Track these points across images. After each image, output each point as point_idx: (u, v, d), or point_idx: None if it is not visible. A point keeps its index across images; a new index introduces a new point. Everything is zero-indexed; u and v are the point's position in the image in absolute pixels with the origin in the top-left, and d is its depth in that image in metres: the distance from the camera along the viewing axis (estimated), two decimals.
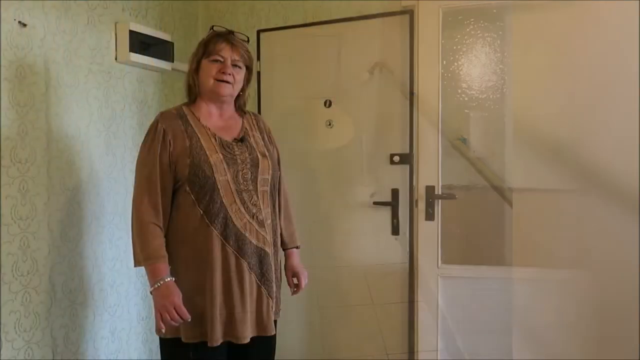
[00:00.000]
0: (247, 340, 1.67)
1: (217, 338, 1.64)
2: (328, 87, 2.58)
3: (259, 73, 2.73)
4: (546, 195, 2.28)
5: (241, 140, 1.74)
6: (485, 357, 2.18)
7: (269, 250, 1.73)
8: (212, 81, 1.70)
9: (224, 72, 1.69)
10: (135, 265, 1.68)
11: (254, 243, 1.69)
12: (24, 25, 1.87)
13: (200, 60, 1.73)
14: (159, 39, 2.46)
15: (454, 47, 2.33)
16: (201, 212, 1.64)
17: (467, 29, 2.33)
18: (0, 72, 1.78)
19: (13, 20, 1.83)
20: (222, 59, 1.70)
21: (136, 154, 2.44)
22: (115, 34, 2.28)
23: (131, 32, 2.28)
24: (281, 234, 1.88)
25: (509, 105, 2.31)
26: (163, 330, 1.63)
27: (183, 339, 1.66)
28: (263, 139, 1.83)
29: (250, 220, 1.68)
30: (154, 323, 1.73)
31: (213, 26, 1.77)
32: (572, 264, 2.22)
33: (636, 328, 1.94)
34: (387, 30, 2.45)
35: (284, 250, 1.92)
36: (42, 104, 1.95)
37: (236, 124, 1.79)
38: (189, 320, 1.61)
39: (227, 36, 1.73)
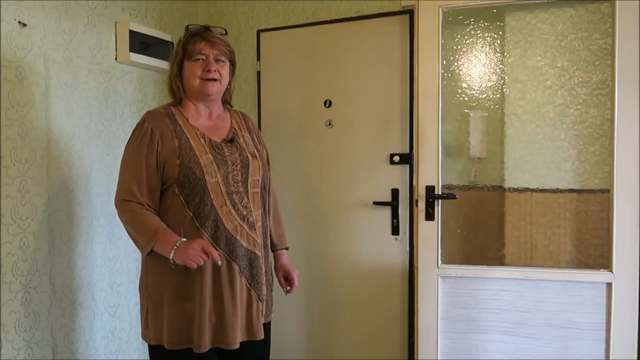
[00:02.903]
0: (237, 345, 1.63)
1: (205, 344, 1.59)
2: (328, 87, 2.58)
3: (259, 73, 2.73)
4: (545, 196, 2.28)
5: (230, 141, 1.70)
6: (486, 357, 2.18)
7: (260, 252, 1.69)
8: (198, 81, 1.66)
9: (208, 70, 1.65)
10: (145, 254, 1.60)
11: (245, 246, 1.65)
12: (24, 25, 1.87)
13: (182, 62, 1.68)
14: (159, 39, 2.46)
15: (454, 47, 2.33)
16: (191, 214, 1.60)
17: (467, 29, 2.33)
18: (0, 72, 1.79)
19: (13, 20, 1.83)
20: (204, 57, 1.66)
21: None
22: (115, 34, 2.28)
23: (131, 32, 2.28)
24: (270, 235, 1.85)
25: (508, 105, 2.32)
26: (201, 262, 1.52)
27: (166, 346, 1.60)
28: (252, 139, 1.79)
29: (241, 223, 1.64)
30: (142, 329, 1.70)
31: (188, 25, 1.71)
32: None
33: None
34: (387, 30, 2.45)
35: (273, 251, 1.88)
36: (42, 104, 1.95)
37: (225, 124, 1.75)
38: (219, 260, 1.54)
39: (204, 34, 1.67)
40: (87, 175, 2.17)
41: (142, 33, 2.35)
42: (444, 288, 2.20)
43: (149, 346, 1.68)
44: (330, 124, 2.59)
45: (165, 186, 1.63)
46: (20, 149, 1.86)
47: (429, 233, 2.19)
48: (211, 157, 1.62)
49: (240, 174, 1.66)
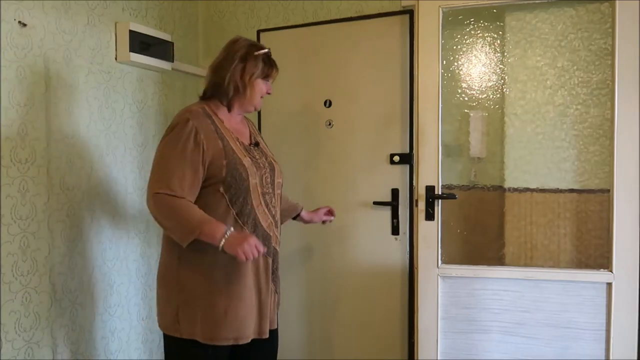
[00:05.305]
0: (268, 335, 1.74)
1: (249, 335, 1.69)
2: (328, 87, 2.58)
3: None
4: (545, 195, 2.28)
5: (256, 144, 1.80)
6: (486, 357, 2.18)
7: (279, 248, 1.82)
8: (260, 100, 1.78)
9: (269, 93, 1.81)
10: (185, 243, 1.58)
11: (273, 243, 1.77)
12: (24, 25, 1.87)
13: (256, 76, 1.75)
14: (159, 39, 2.46)
15: (454, 47, 2.33)
16: (234, 212, 1.66)
17: (467, 29, 2.33)
18: (0, 72, 1.79)
19: (13, 20, 1.83)
20: (272, 81, 1.82)
21: (136, 154, 2.45)
22: (115, 34, 2.28)
23: (131, 32, 2.28)
24: (287, 208, 2.02)
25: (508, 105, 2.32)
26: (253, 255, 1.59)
27: (201, 340, 1.65)
28: (266, 144, 1.91)
29: (272, 221, 1.76)
30: (155, 321, 1.73)
31: (258, 46, 1.80)
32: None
33: None
34: (387, 30, 2.45)
35: (297, 217, 2.08)
36: (42, 104, 1.95)
37: (246, 130, 1.83)
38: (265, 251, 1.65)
39: (273, 59, 1.82)
40: (87, 175, 2.17)
41: (142, 33, 2.35)
42: (444, 288, 2.20)
43: (177, 339, 1.69)
44: (330, 124, 2.59)
45: (206, 184, 1.65)
46: (20, 149, 1.86)
47: (429, 233, 2.19)
48: (249, 160, 1.70)
49: (269, 176, 1.77)
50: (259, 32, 2.71)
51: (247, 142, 1.77)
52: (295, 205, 2.08)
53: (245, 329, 1.67)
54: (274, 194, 1.78)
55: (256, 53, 1.75)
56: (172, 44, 2.54)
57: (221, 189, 1.64)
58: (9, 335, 1.83)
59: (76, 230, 2.11)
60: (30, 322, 1.91)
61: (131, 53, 2.29)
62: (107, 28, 2.24)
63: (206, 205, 1.64)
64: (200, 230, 1.56)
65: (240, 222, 1.67)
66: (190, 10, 2.82)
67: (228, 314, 1.65)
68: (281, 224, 1.98)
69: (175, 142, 1.62)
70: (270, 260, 1.75)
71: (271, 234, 1.75)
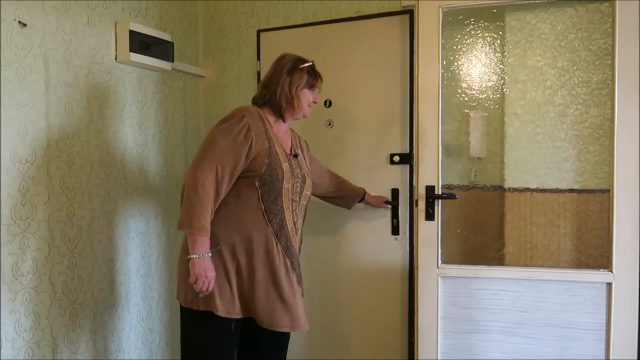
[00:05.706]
0: (307, 327, 1.85)
1: (279, 324, 1.80)
2: (328, 87, 2.57)
3: (259, 73, 2.73)
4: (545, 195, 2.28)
5: (295, 155, 1.93)
6: (486, 357, 2.18)
7: (298, 255, 1.93)
8: (308, 108, 1.93)
9: (315, 102, 1.96)
10: (181, 226, 1.71)
11: (295, 246, 1.89)
12: (24, 25, 1.87)
13: (302, 87, 1.90)
14: (159, 38, 2.46)
15: (454, 47, 2.33)
16: (263, 207, 1.78)
17: (467, 29, 2.33)
18: (0, 72, 1.79)
19: (13, 20, 1.83)
20: (318, 90, 1.97)
21: (136, 154, 2.46)
22: (115, 34, 2.28)
23: (131, 32, 2.28)
24: (353, 194, 2.32)
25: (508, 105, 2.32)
26: (205, 290, 1.73)
27: (221, 314, 1.75)
28: (304, 158, 2.02)
29: (294, 227, 1.88)
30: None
31: (302, 59, 1.92)
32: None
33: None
34: (387, 30, 2.45)
35: (362, 200, 2.35)
36: (42, 104, 1.95)
37: (288, 140, 1.96)
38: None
39: (317, 71, 1.96)
40: (87, 175, 2.17)
41: (142, 33, 2.35)
42: (444, 288, 2.20)
43: (195, 312, 1.79)
44: (330, 124, 2.59)
45: (244, 175, 1.78)
46: (20, 149, 1.86)
47: (429, 233, 2.19)
48: (288, 166, 1.84)
49: (300, 186, 1.89)
50: (259, 32, 2.71)
51: (287, 151, 1.90)
52: (360, 189, 2.36)
53: (258, 311, 1.78)
54: (299, 203, 1.90)
55: (301, 66, 1.90)
56: (172, 44, 2.54)
57: (256, 183, 1.77)
58: (9, 335, 1.83)
59: (76, 230, 2.11)
60: (30, 322, 1.91)
61: (131, 53, 2.29)
62: (107, 28, 2.25)
63: (240, 195, 1.78)
64: (194, 234, 1.70)
65: (266, 218, 1.79)
66: (190, 10, 2.82)
67: (242, 292, 1.79)
68: (349, 207, 2.36)
69: (228, 132, 1.75)
70: (288, 262, 1.84)
71: (292, 237, 1.86)
